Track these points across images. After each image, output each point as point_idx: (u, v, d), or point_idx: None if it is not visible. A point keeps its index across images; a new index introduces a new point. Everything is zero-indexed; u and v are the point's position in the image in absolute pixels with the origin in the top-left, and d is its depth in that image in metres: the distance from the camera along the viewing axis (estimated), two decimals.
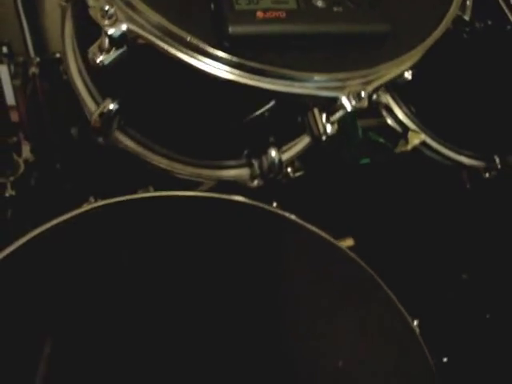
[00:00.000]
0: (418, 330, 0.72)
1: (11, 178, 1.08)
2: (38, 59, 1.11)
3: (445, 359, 1.18)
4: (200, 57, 0.55)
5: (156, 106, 0.73)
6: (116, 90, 0.74)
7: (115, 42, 0.56)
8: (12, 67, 1.12)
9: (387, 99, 1.10)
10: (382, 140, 1.08)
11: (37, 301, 0.63)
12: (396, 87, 1.08)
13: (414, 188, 1.24)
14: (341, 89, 0.58)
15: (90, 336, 0.63)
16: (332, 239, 0.75)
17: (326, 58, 0.58)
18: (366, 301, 0.73)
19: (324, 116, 0.61)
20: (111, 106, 0.72)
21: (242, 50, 0.55)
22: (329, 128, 0.61)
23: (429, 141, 1.10)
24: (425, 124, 1.10)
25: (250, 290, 0.70)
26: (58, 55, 1.10)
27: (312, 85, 0.57)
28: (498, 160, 1.11)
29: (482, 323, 1.24)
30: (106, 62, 0.57)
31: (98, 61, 0.56)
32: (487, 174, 1.14)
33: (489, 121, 1.06)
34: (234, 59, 0.55)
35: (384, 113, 1.12)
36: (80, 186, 1.07)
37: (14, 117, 1.14)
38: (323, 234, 0.75)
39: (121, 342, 0.63)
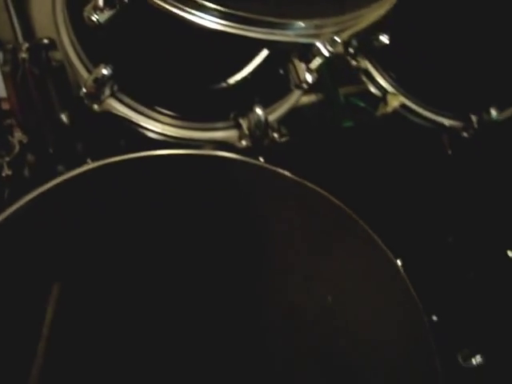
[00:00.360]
0: (401, 267, 0.77)
1: (7, 159, 1.12)
2: (26, 45, 1.14)
3: (434, 317, 1.22)
4: (188, 8, 0.59)
5: (147, 67, 0.78)
6: (107, 56, 0.78)
7: (108, 1, 0.60)
8: (1, 55, 1.15)
9: (366, 65, 1.14)
10: (362, 104, 1.13)
11: (43, 253, 0.67)
12: (374, 53, 1.12)
13: (397, 153, 1.28)
14: (317, 36, 0.62)
15: (92, 284, 0.67)
16: (311, 184, 0.79)
17: (304, 5, 0.62)
18: (350, 242, 0.78)
19: (303, 65, 0.66)
20: (104, 71, 0.77)
21: (228, 1, 0.60)
22: (308, 76, 0.66)
23: (408, 103, 1.14)
24: (404, 87, 1.15)
25: (235, 239, 0.74)
26: (46, 41, 1.13)
27: (292, 32, 0.61)
28: (474, 119, 1.16)
29: (466, 282, 1.28)
30: (102, 21, 0.61)
31: (94, 19, 0.61)
32: (465, 134, 1.18)
33: (464, 80, 1.11)
34: (222, 9, 0.59)
35: (364, 79, 1.16)
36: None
37: (5, 104, 1.17)
38: (302, 180, 0.79)
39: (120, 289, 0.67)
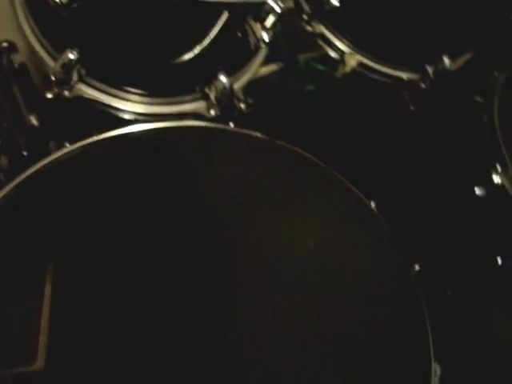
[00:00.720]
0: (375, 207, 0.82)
1: None
2: None
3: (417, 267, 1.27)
4: None
5: (110, 47, 0.81)
6: (71, 41, 0.81)
7: None
8: None
9: (321, 30, 1.19)
10: (322, 67, 1.17)
11: (40, 229, 0.70)
12: (327, 16, 1.17)
13: (360, 113, 1.33)
14: None
15: (86, 257, 0.71)
16: (281, 142, 0.83)
17: None
18: (324, 190, 0.83)
19: (259, 24, 0.70)
20: (71, 56, 0.80)
21: None
22: (265, 35, 0.70)
23: (365, 61, 1.19)
24: (360, 46, 1.19)
25: (212, 199, 0.79)
26: (5, 44, 1.15)
27: None
28: (430, 70, 1.21)
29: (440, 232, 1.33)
30: (64, 1, 0.64)
31: (57, 0, 0.64)
32: (423, 85, 1.24)
33: (417, 32, 1.15)
34: None
35: (321, 43, 1.21)
36: None
37: None
38: (273, 139, 0.84)
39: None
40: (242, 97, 1.03)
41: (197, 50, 0.80)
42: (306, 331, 0.70)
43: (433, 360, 0.68)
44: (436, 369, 0.69)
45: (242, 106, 1.10)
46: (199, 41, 0.79)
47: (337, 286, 0.75)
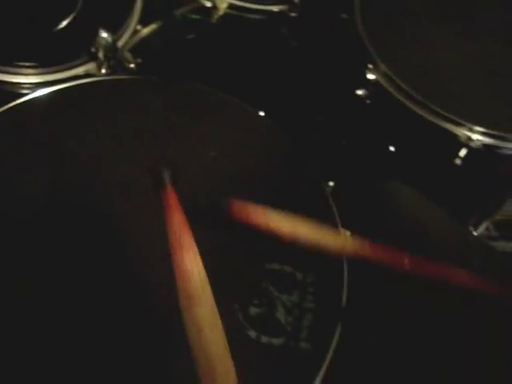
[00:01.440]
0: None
1: None
2: None
3: (330, 183, 1.38)
4: None
5: None
6: None
7: None
8: None
9: None
10: (197, 16, 1.26)
11: None
12: None
13: (245, 55, 1.43)
14: None
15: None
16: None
17: None
18: (221, 112, 0.94)
19: None
20: None
21: None
22: None
23: (234, 1, 1.29)
24: None
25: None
26: None
27: None
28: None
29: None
30: None
31: None
32: (293, 13, 1.35)
33: None
34: None
35: None
36: None
37: None
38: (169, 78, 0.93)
39: None
40: (129, 57, 1.11)
41: (73, 14, 0.88)
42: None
43: None
44: None
45: (132, 65, 1.18)
46: (74, 5, 0.86)
47: (237, 185, 0.85)
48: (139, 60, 1.20)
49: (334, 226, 0.80)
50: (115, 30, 1.02)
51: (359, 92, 1.19)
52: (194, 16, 1.26)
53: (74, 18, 0.90)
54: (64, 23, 0.92)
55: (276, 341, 0.70)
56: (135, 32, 1.16)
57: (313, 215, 0.71)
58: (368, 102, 1.19)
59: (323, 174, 0.93)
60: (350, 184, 1.25)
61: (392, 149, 1.21)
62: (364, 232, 0.78)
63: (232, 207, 0.70)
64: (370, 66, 1.14)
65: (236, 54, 1.36)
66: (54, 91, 0.90)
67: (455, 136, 1.07)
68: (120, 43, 1.02)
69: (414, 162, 1.20)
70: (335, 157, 1.28)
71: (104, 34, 0.94)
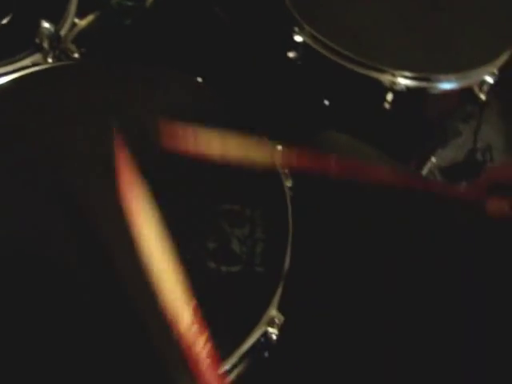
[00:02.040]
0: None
1: None
2: None
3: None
4: None
5: None
6: None
7: None
8: None
9: None
10: (131, 2, 1.36)
11: None
12: None
13: (180, 33, 1.52)
14: None
15: None
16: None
17: None
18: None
19: None
20: None
21: None
22: None
23: None
24: None
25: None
26: None
27: None
28: None
29: None
30: None
31: None
32: None
33: None
34: None
35: None
36: None
37: None
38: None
39: None
40: (73, 48, 1.19)
41: (14, 10, 0.95)
42: None
43: None
44: None
45: (76, 55, 1.26)
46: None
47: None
48: (83, 49, 1.28)
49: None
50: (57, 20, 1.10)
51: (291, 54, 1.29)
52: (127, 2, 1.35)
53: (16, 13, 0.97)
54: (7, 18, 0.99)
55: (234, 268, 0.80)
56: (74, 24, 1.24)
57: None
58: (299, 62, 1.29)
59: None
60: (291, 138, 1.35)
61: (326, 102, 1.32)
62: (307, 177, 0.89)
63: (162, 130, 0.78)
64: (296, 28, 1.24)
65: (172, 33, 1.45)
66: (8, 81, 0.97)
67: (380, 82, 1.18)
68: (62, 32, 1.10)
69: (348, 111, 1.31)
70: (276, 116, 1.38)
71: (46, 25, 1.02)
